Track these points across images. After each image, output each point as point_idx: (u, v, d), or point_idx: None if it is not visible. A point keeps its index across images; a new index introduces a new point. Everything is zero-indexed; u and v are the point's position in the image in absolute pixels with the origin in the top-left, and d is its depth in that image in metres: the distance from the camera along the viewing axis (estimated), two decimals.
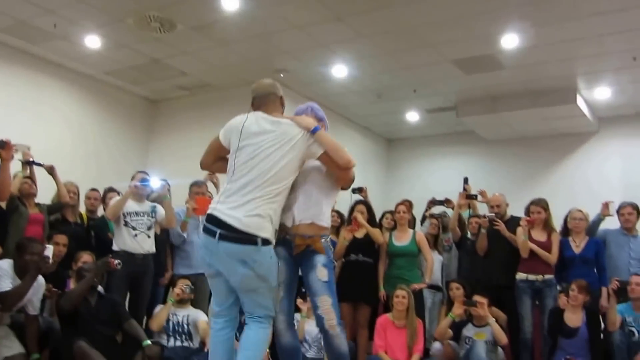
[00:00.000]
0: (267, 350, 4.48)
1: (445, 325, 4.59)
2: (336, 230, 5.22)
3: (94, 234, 4.98)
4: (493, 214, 5.04)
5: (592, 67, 6.19)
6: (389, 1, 4.98)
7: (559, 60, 6.00)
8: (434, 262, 5.13)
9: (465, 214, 5.77)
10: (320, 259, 2.68)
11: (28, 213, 4.44)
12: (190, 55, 6.39)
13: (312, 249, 2.69)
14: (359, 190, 5.47)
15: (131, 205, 4.48)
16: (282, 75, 6.74)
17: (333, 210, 4.97)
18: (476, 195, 5.51)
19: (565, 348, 4.35)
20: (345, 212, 5.34)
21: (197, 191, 4.99)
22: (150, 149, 7.88)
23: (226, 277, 2.56)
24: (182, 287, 4.39)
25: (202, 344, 4.27)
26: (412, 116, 8.09)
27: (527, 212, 4.96)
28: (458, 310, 4.56)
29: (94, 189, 5.23)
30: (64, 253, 4.36)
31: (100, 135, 7.28)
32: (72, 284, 4.21)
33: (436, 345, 4.69)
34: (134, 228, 4.43)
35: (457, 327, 4.59)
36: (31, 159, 4.65)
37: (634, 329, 4.35)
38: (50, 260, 3.69)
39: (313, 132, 2.64)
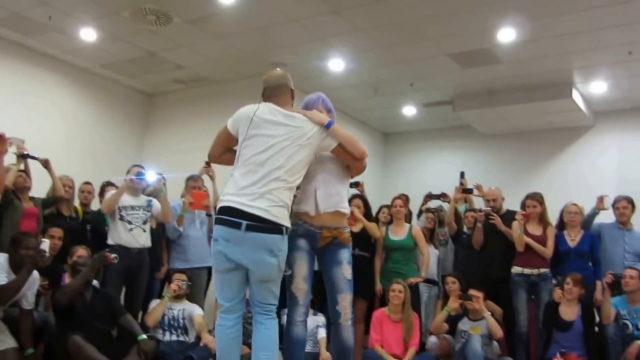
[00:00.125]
0: None
1: (441, 319, 4.61)
2: None
3: (90, 227, 4.96)
4: (489, 208, 5.06)
5: (588, 61, 6.19)
6: None
7: (555, 54, 6.00)
8: (430, 256, 5.14)
9: (462, 208, 5.78)
10: (345, 255, 2.76)
11: (22, 207, 4.43)
12: (186, 48, 6.36)
13: (338, 241, 2.75)
14: (356, 184, 5.47)
15: (126, 199, 4.46)
16: (278, 69, 6.71)
17: None
18: (472, 190, 5.52)
19: (559, 341, 4.38)
20: None
21: (193, 185, 4.98)
22: (145, 143, 7.85)
23: (251, 268, 2.52)
24: (179, 283, 4.38)
25: (198, 338, 4.28)
26: (409, 110, 8.08)
27: (523, 206, 4.98)
28: (454, 304, 4.57)
29: (87, 182, 5.21)
30: (59, 246, 4.35)
31: (96, 129, 7.25)
32: (67, 279, 4.20)
33: (432, 339, 4.71)
34: (129, 222, 4.41)
35: (452, 321, 4.61)
36: (26, 152, 4.62)
37: (628, 322, 4.38)
38: (47, 254, 3.69)
39: (327, 126, 2.67)
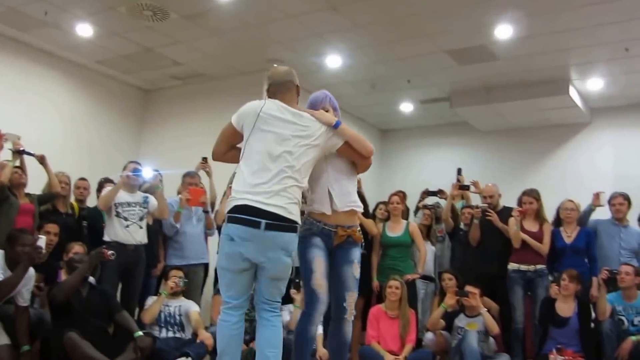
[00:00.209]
0: None
1: (437, 315, 4.62)
2: None
3: (87, 224, 4.95)
4: (486, 205, 5.06)
5: (585, 58, 6.19)
6: None
7: (552, 51, 6.00)
8: (427, 253, 5.15)
9: (459, 204, 5.79)
10: (356, 255, 2.81)
11: (18, 203, 4.40)
12: (183, 44, 6.34)
13: (352, 240, 2.78)
14: None
15: (123, 196, 4.46)
16: (275, 65, 6.68)
17: None
18: (469, 186, 5.52)
19: (555, 337, 4.39)
20: None
21: (190, 182, 4.97)
22: (142, 139, 7.83)
23: (266, 267, 2.50)
24: (175, 280, 4.37)
25: (195, 334, 4.27)
26: (406, 107, 8.08)
27: (519, 202, 4.99)
28: (450, 300, 4.58)
29: (82, 179, 5.19)
30: (55, 242, 4.34)
31: (92, 125, 7.23)
32: (63, 275, 4.19)
33: (428, 336, 4.73)
34: (125, 219, 4.41)
35: (449, 318, 4.62)
36: (22, 149, 4.60)
37: (623, 318, 4.40)
38: (43, 251, 3.68)
39: (335, 126, 2.67)
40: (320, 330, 4.54)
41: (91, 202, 5.20)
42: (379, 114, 8.46)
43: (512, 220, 4.84)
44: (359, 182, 5.55)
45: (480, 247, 5.06)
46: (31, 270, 3.70)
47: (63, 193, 4.83)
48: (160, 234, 4.95)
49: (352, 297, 2.80)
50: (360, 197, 5.05)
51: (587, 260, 4.84)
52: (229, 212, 2.50)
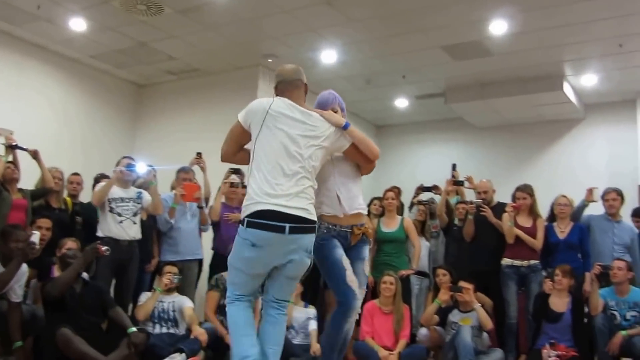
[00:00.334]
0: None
1: (431, 311, 4.63)
2: None
3: (82, 219, 4.92)
4: (480, 200, 5.07)
5: (579, 54, 6.21)
6: None
7: (546, 46, 6.01)
8: (422, 249, 5.16)
9: (453, 200, 5.80)
10: (366, 252, 2.87)
11: (11, 198, 4.38)
12: (177, 39, 6.30)
13: (364, 238, 2.84)
14: None
15: (116, 191, 4.44)
16: (270, 60, 6.68)
17: None
18: (463, 182, 5.53)
19: (548, 332, 4.41)
20: None
21: (184, 177, 4.96)
22: (137, 134, 7.80)
23: (288, 267, 2.49)
24: (170, 277, 4.37)
25: (188, 330, 4.26)
26: (401, 102, 8.08)
27: (513, 198, 5.00)
28: (444, 296, 4.60)
29: (75, 174, 5.16)
30: (48, 237, 4.31)
31: (86, 120, 7.19)
32: (56, 271, 4.17)
33: (422, 331, 4.74)
34: (119, 214, 4.39)
35: (443, 313, 4.63)
36: (14, 143, 4.56)
37: (616, 313, 4.42)
38: (37, 247, 3.67)
39: (345, 128, 2.68)
40: (314, 325, 4.56)
41: (84, 197, 5.17)
42: (374, 109, 8.45)
43: (505, 216, 4.85)
44: None
45: (474, 242, 5.07)
46: (24, 266, 3.68)
47: (56, 188, 4.80)
48: (154, 229, 4.93)
49: (361, 294, 2.84)
50: None
51: (580, 255, 4.86)
52: (250, 216, 2.44)
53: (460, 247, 5.26)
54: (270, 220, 2.40)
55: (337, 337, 2.79)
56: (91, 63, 7.16)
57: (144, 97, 7.90)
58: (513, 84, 6.96)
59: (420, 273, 5.24)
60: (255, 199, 2.45)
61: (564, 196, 5.02)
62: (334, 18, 5.57)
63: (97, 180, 5.02)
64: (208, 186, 5.31)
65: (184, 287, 4.65)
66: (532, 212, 4.94)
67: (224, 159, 2.73)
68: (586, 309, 4.54)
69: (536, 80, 6.81)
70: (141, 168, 4.56)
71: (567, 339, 4.36)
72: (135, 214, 4.48)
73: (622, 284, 4.44)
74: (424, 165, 8.34)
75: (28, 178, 4.76)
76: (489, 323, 4.49)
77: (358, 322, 4.70)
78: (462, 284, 4.57)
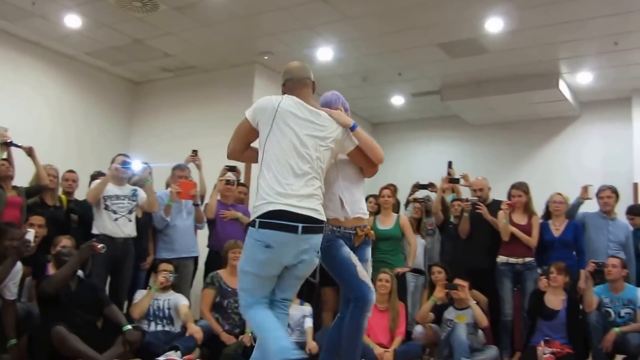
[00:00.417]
0: (251, 334, 4.51)
1: (426, 309, 4.64)
2: None
3: (78, 216, 4.90)
4: (476, 198, 5.08)
5: (574, 52, 6.22)
6: None
7: (542, 44, 6.02)
8: (417, 246, 5.16)
9: (449, 198, 5.80)
10: (369, 253, 2.89)
11: (6, 196, 4.36)
12: (173, 36, 6.28)
13: (366, 239, 2.85)
14: None
15: (112, 189, 4.43)
16: (266, 57, 6.67)
17: None
18: (459, 179, 5.54)
19: (543, 330, 4.43)
20: None
21: (180, 175, 4.95)
22: (132, 132, 7.77)
23: (298, 267, 2.48)
24: (166, 275, 4.36)
25: (184, 328, 4.26)
26: (397, 100, 8.08)
27: (509, 195, 5.01)
28: (439, 293, 4.61)
29: (71, 171, 5.14)
30: (41, 235, 4.29)
31: (82, 117, 7.16)
32: (50, 269, 4.16)
33: (418, 329, 4.75)
34: (114, 212, 4.38)
35: (438, 310, 4.64)
36: (9, 141, 4.55)
37: (610, 310, 4.44)
38: (31, 244, 3.66)
39: (352, 129, 2.66)
40: (309, 323, 4.56)
41: (80, 194, 5.16)
42: (370, 107, 8.45)
43: (501, 214, 4.86)
44: None
45: (470, 240, 5.08)
46: (18, 263, 3.67)
47: (51, 186, 4.78)
48: (149, 227, 4.92)
49: None
50: None
51: (575, 253, 4.87)
52: (262, 217, 2.40)
53: (455, 244, 5.27)
54: (283, 220, 2.37)
55: (359, 334, 2.78)
56: (86, 60, 7.13)
57: (139, 95, 7.87)
58: (509, 81, 6.97)
59: (415, 270, 5.24)
60: (267, 199, 2.41)
61: (559, 194, 5.03)
62: (330, 15, 5.57)
63: (93, 177, 5.00)
64: (204, 184, 5.30)
65: (180, 285, 4.64)
66: (528, 209, 4.95)
67: (231, 156, 2.69)
68: (580, 306, 4.56)
69: (532, 78, 6.82)
70: (137, 165, 4.55)
71: (561, 336, 4.38)
72: (130, 212, 4.47)
73: (616, 282, 4.46)
74: (419, 163, 8.35)
75: (23, 175, 4.74)
76: (484, 320, 4.50)
77: None
78: (457, 281, 4.58)
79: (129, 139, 7.70)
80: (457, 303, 4.61)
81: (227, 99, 6.85)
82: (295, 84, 2.64)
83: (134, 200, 4.51)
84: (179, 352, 3.89)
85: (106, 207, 4.37)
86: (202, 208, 5.07)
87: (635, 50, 6.04)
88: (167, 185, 5.16)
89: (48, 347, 3.49)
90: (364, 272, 2.73)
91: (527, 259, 4.80)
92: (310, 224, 2.43)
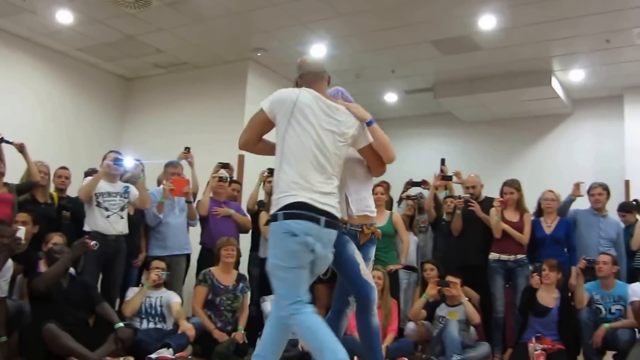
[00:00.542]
0: (243, 331, 4.51)
1: (419, 306, 4.66)
2: None
3: (71, 213, 4.88)
4: (468, 195, 5.09)
5: (566, 49, 6.24)
6: None
7: (534, 42, 6.04)
8: (410, 243, 5.17)
9: (442, 195, 5.81)
10: (373, 253, 2.86)
11: None
12: (165, 32, 6.25)
13: (372, 238, 2.82)
14: None
15: (103, 186, 4.40)
16: (259, 54, 6.65)
17: None
18: (451, 176, 5.55)
19: (535, 326, 4.45)
20: None
21: (173, 172, 4.94)
22: (124, 128, 7.73)
23: (317, 264, 2.43)
24: (158, 273, 4.35)
25: (176, 325, 4.26)
26: (390, 97, 8.08)
27: (501, 192, 5.03)
28: (432, 290, 4.62)
29: (63, 167, 5.11)
30: (30, 232, 4.25)
31: (73, 114, 7.12)
32: (42, 266, 4.14)
33: (410, 326, 4.76)
34: (106, 209, 4.36)
35: (430, 307, 4.66)
36: (0, 137, 4.52)
37: (601, 307, 4.47)
38: (22, 242, 3.63)
39: (369, 124, 2.63)
40: None
41: (72, 191, 5.13)
42: (363, 104, 8.19)
43: (493, 211, 4.88)
44: None
45: (462, 237, 5.09)
46: (9, 261, 3.65)
47: (42, 183, 4.75)
48: (141, 224, 4.91)
49: None
50: None
51: (566, 250, 4.90)
52: (285, 208, 2.35)
53: (448, 241, 5.28)
54: (307, 210, 2.34)
55: (371, 334, 2.75)
56: (78, 56, 7.09)
57: (131, 91, 7.83)
58: (501, 79, 6.99)
59: (408, 268, 5.26)
60: (289, 192, 2.37)
61: (551, 191, 5.05)
62: (324, 12, 5.56)
63: (87, 174, 4.98)
64: (196, 181, 5.29)
65: (172, 282, 4.63)
66: (519, 206, 4.97)
67: (244, 147, 2.59)
68: (572, 303, 4.59)
69: (524, 75, 6.84)
70: (129, 162, 4.52)
71: (553, 332, 4.40)
72: (122, 209, 4.45)
73: (607, 278, 4.49)
74: (412, 160, 8.33)
75: (14, 172, 4.71)
76: (476, 317, 4.52)
77: None
78: (449, 278, 4.59)
79: (121, 135, 7.67)
80: (449, 300, 4.63)
81: (220, 96, 6.83)
82: (312, 78, 2.58)
83: (126, 197, 4.49)
84: (171, 350, 3.89)
85: (98, 204, 4.35)
86: (194, 205, 5.06)
87: (627, 48, 6.08)
88: (159, 182, 5.14)
89: (39, 344, 3.47)
90: (367, 271, 2.72)
91: (519, 256, 4.82)
92: (332, 219, 2.42)
